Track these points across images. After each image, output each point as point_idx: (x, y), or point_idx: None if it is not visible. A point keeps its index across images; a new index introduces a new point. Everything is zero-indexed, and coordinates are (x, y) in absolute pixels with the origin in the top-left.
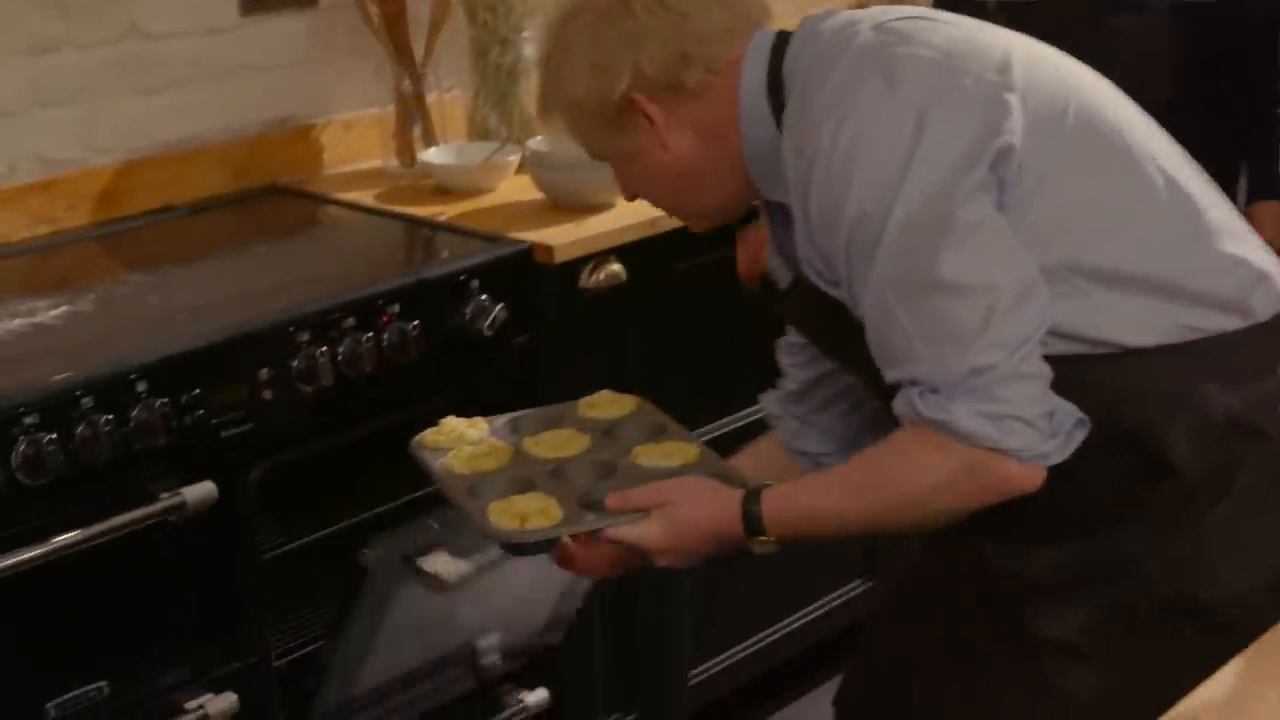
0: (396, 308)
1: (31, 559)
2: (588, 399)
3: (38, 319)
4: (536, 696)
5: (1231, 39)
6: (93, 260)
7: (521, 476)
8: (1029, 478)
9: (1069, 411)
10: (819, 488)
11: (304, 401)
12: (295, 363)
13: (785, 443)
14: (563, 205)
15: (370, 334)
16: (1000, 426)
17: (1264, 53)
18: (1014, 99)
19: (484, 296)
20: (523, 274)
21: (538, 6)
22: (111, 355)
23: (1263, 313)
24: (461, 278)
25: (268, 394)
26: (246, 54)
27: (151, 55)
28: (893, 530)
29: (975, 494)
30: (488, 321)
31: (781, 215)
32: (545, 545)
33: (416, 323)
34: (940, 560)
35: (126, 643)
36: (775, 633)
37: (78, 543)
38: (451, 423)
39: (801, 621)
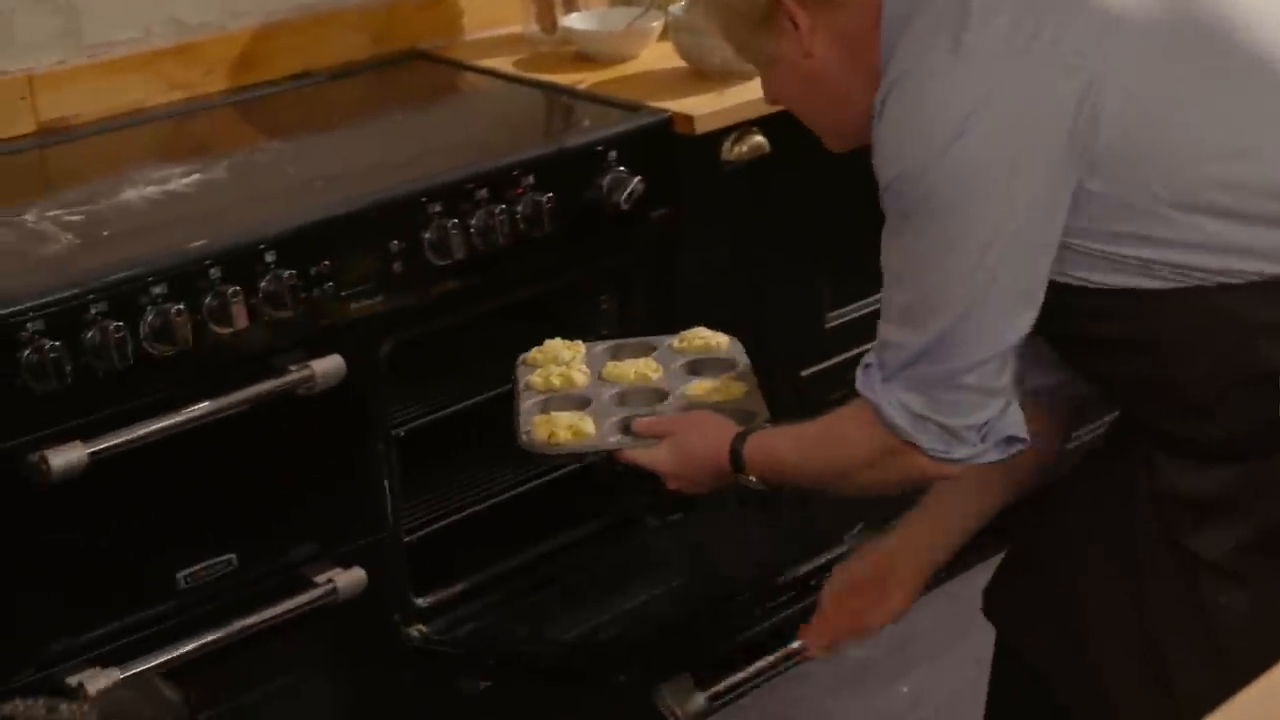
0: (531, 179)
1: (161, 429)
2: (684, 333)
3: (170, 186)
4: None
5: None
6: (228, 127)
7: (586, 397)
8: (941, 473)
9: (1009, 430)
10: (789, 439)
11: (435, 274)
12: (427, 234)
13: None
14: (705, 73)
15: (504, 206)
16: (916, 424)
17: None
18: (1091, 61)
19: (621, 168)
20: (662, 145)
21: None
22: (241, 225)
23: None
24: (599, 148)
25: (398, 266)
26: None
27: None
28: (838, 493)
29: (893, 477)
30: (625, 194)
31: None
32: (570, 458)
33: (551, 194)
34: (1116, 457)
35: (255, 515)
36: None
37: (206, 415)
38: (552, 344)
39: None
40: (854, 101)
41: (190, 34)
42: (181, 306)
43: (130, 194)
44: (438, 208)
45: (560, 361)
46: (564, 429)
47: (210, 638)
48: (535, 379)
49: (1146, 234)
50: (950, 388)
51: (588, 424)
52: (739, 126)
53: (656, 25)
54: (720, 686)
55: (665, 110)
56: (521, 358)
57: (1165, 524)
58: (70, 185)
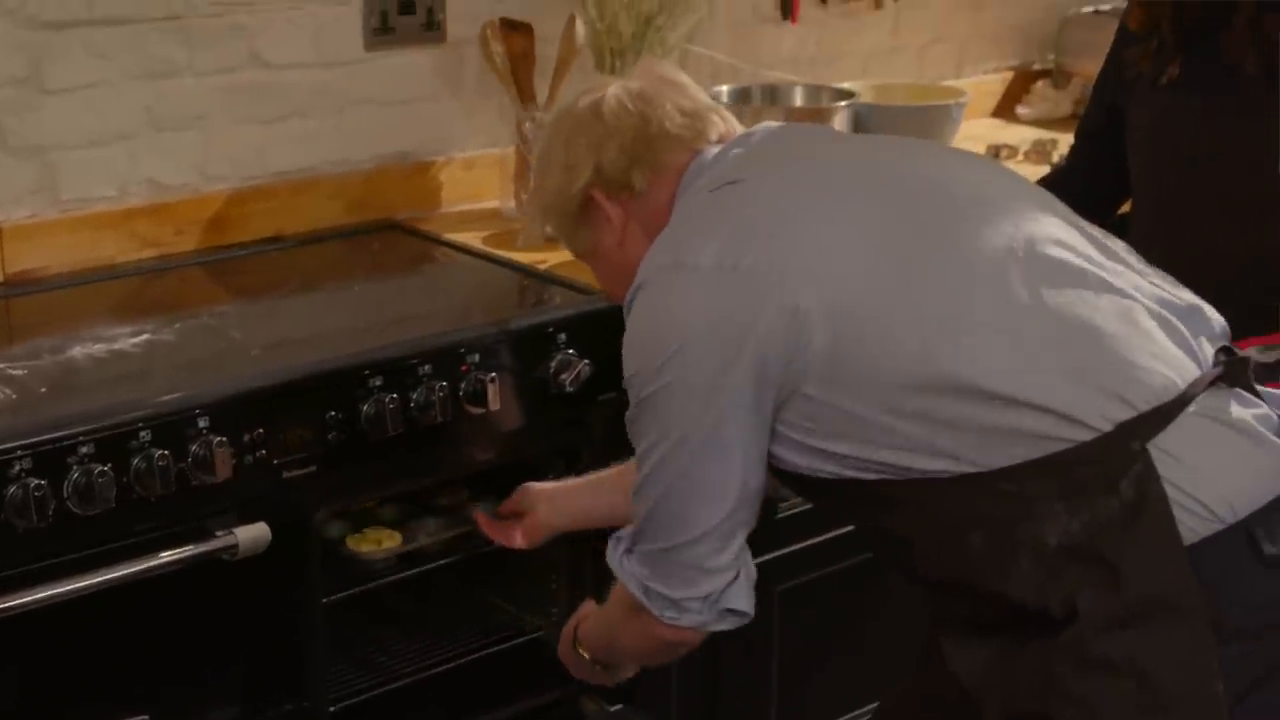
0: (476, 357)
1: (81, 589)
2: None
3: (118, 345)
4: None
5: None
6: (192, 287)
7: None
8: (680, 638)
9: (731, 603)
10: (597, 616)
11: (371, 448)
12: (365, 407)
13: None
14: None
15: (445, 383)
16: (647, 594)
17: None
18: (789, 292)
19: (570, 351)
20: (613, 330)
21: (666, 53)
22: (176, 389)
23: (1102, 422)
24: (549, 330)
25: (333, 437)
26: (368, 87)
27: (271, 84)
28: (638, 661)
29: (647, 642)
30: (571, 376)
31: None
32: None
33: (494, 374)
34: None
35: (174, 678)
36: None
37: (125, 578)
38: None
39: None
40: None
41: (166, 194)
42: (107, 468)
43: (77, 351)
44: (378, 381)
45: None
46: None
47: None
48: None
49: (863, 436)
50: (667, 563)
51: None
52: None
53: None
54: None
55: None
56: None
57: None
58: (23, 338)
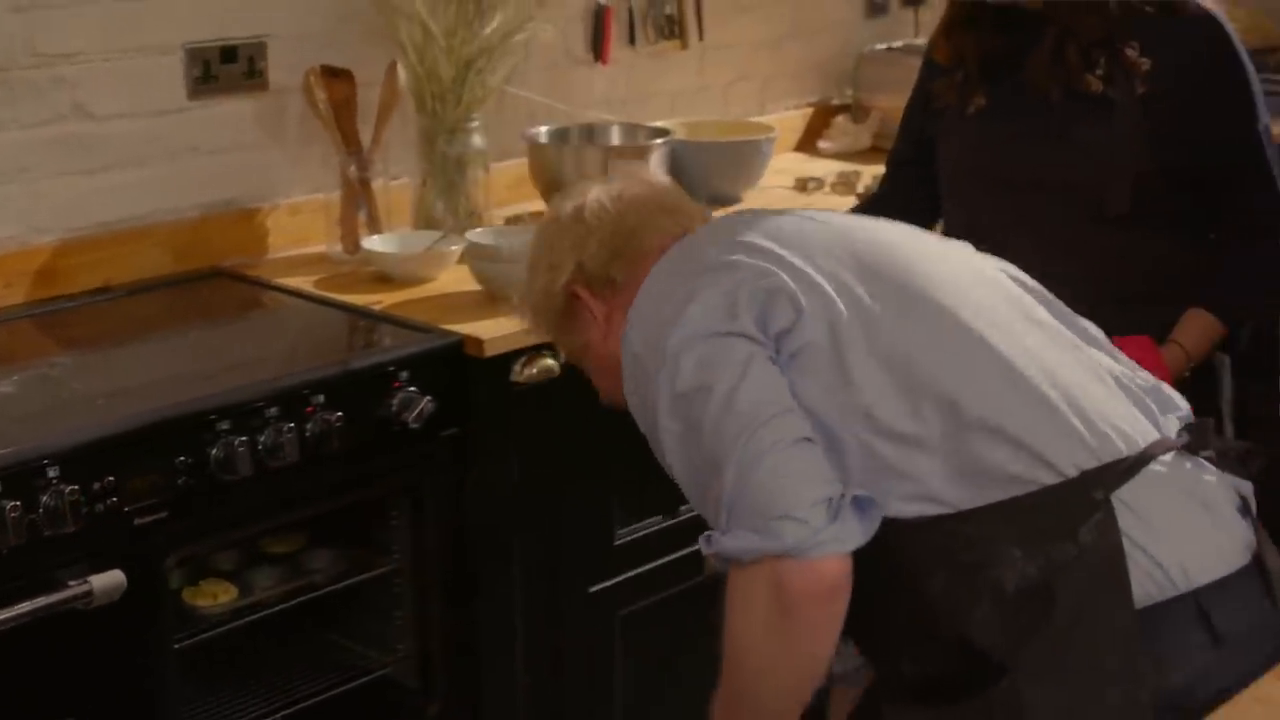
0: (321, 398)
1: None
2: None
3: None
4: None
5: (1193, 162)
6: (25, 340)
7: None
8: (822, 572)
9: (847, 492)
10: (721, 708)
11: (222, 491)
12: (214, 451)
13: None
14: (499, 298)
15: (293, 424)
16: (766, 531)
17: (1226, 176)
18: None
19: (412, 388)
20: (453, 366)
21: (486, 96)
22: (24, 440)
23: (1069, 468)
24: (390, 368)
25: (183, 482)
26: (193, 136)
27: (95, 135)
28: (795, 699)
29: (794, 613)
30: (414, 414)
31: None
32: None
33: (341, 413)
34: None
35: None
36: None
37: None
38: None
39: None
40: None
41: None
42: None
43: None
44: (226, 425)
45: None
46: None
47: None
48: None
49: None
50: (770, 485)
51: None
52: (530, 350)
53: (455, 249)
54: None
55: (457, 333)
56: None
57: None
58: None
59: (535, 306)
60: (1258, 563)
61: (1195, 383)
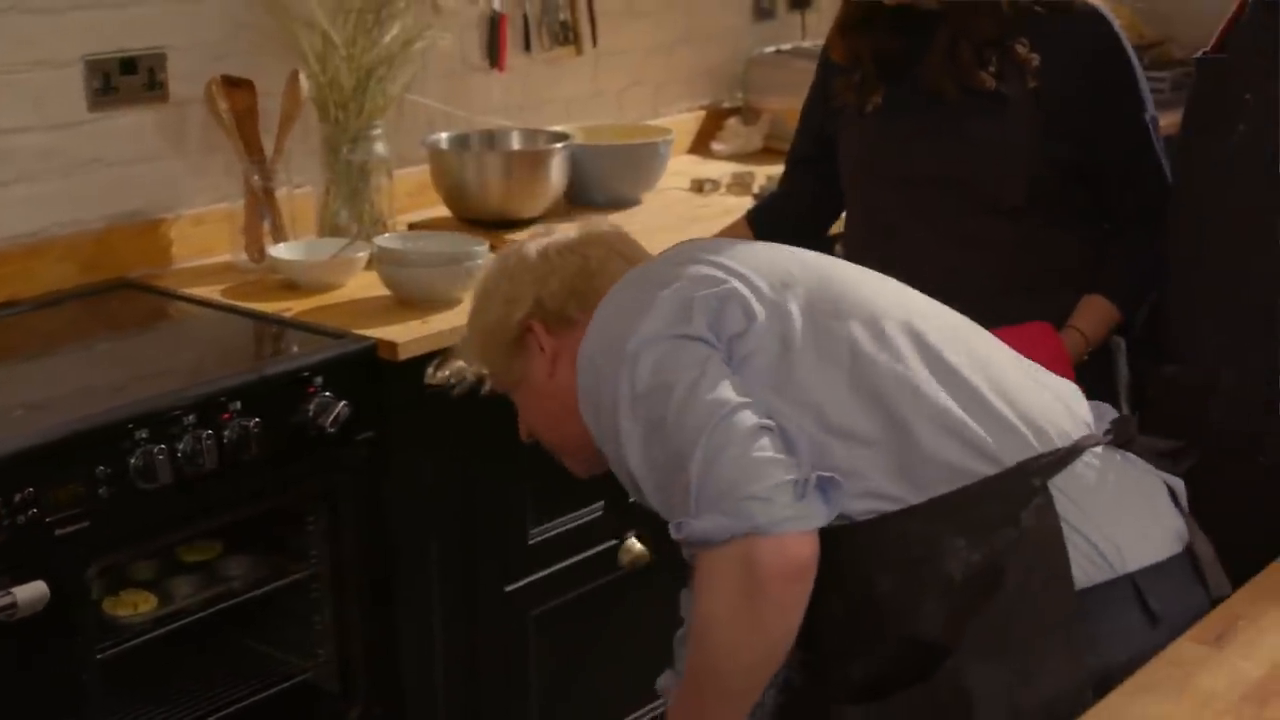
0: (238, 405)
1: None
2: None
3: None
4: None
5: (1085, 153)
6: None
7: None
8: (789, 549)
9: (810, 473)
10: (685, 693)
11: (142, 499)
12: (134, 460)
13: None
14: (408, 302)
15: (210, 431)
16: (735, 512)
17: (1117, 166)
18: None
19: (327, 393)
20: (367, 371)
21: (387, 104)
22: None
23: (1008, 459)
24: (304, 374)
25: (104, 492)
26: (95, 148)
27: None
28: (758, 679)
29: (762, 591)
30: (330, 418)
31: None
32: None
33: (258, 419)
34: None
35: None
36: None
37: None
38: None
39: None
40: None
41: None
42: None
43: None
44: (144, 434)
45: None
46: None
47: None
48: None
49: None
50: (720, 465)
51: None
52: (442, 352)
53: (362, 255)
54: None
55: (370, 337)
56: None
57: None
58: None
59: (485, 334)
60: (1189, 551)
61: (1092, 366)
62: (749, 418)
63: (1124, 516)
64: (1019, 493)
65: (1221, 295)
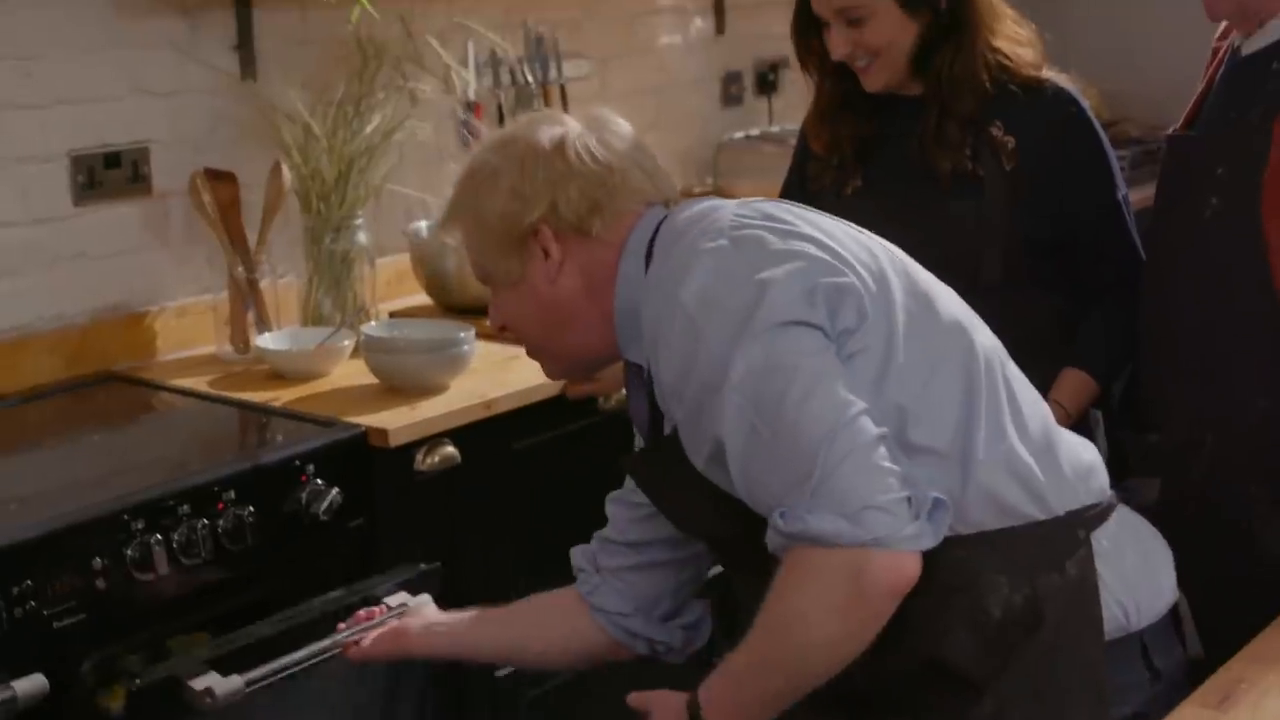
0: (232, 494)
1: None
2: None
3: None
4: None
5: (1059, 230)
6: None
7: None
8: (903, 567)
9: (925, 493)
10: (738, 656)
11: (139, 589)
12: (130, 551)
13: (584, 595)
14: (396, 389)
15: (205, 520)
16: (857, 520)
17: (1091, 242)
18: (850, 278)
19: (319, 481)
20: (357, 458)
21: (368, 193)
22: None
23: (1059, 508)
24: (296, 463)
25: (101, 583)
26: (79, 242)
27: None
28: (828, 676)
29: (866, 603)
30: (323, 506)
31: (636, 377)
32: None
33: (252, 508)
34: None
35: None
36: None
37: None
38: None
39: None
40: (584, 330)
41: None
42: None
43: None
44: (140, 524)
45: None
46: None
47: None
48: None
49: None
50: (857, 473)
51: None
52: (431, 439)
53: (348, 344)
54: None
55: (360, 425)
56: None
57: None
58: None
59: (480, 224)
60: (1174, 609)
61: None
62: (871, 425)
63: (1137, 574)
64: (1066, 541)
65: (1200, 363)
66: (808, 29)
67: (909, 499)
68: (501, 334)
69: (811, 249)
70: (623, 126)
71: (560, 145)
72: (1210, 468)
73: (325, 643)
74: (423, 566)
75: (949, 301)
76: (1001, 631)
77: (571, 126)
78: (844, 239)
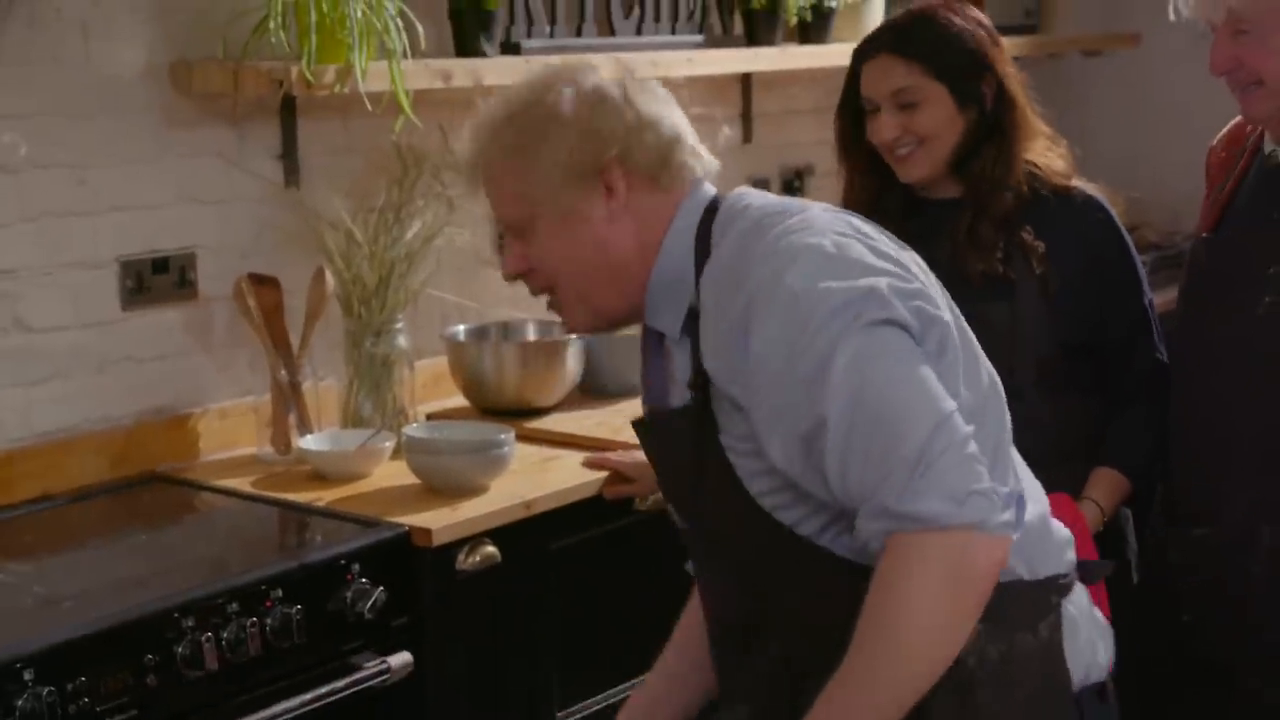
0: (280, 592)
1: None
2: None
3: None
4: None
5: (1089, 333)
6: None
7: None
8: (1000, 550)
9: (1011, 486)
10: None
11: (189, 686)
12: (180, 649)
13: None
14: (438, 490)
15: (254, 619)
16: (964, 502)
17: (1120, 345)
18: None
19: (364, 580)
20: (401, 557)
21: (408, 298)
22: None
23: (1041, 572)
24: (342, 562)
25: (151, 680)
26: (126, 345)
27: (33, 347)
28: (930, 678)
29: (971, 584)
30: (369, 604)
31: (657, 344)
32: None
33: (299, 606)
34: None
35: None
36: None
37: None
38: None
39: None
40: (626, 285)
41: None
42: None
43: None
44: (190, 622)
45: None
46: None
47: None
48: None
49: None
50: (961, 461)
51: None
52: (472, 538)
53: (389, 445)
54: None
55: (403, 525)
56: None
57: None
58: None
59: (544, 156)
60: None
61: (1103, 537)
62: (963, 422)
63: (1089, 640)
64: (1042, 604)
65: (1251, 454)
66: (852, 114)
67: (997, 489)
68: (517, 279)
69: (904, 273)
70: (659, 89)
71: (628, 98)
72: (1270, 559)
73: None
74: None
75: (986, 363)
76: (975, 684)
77: (628, 81)
78: (925, 277)
